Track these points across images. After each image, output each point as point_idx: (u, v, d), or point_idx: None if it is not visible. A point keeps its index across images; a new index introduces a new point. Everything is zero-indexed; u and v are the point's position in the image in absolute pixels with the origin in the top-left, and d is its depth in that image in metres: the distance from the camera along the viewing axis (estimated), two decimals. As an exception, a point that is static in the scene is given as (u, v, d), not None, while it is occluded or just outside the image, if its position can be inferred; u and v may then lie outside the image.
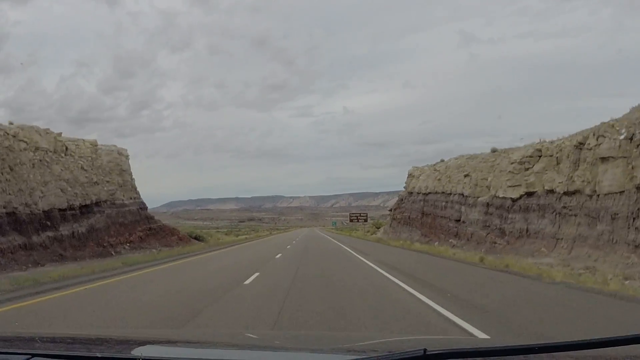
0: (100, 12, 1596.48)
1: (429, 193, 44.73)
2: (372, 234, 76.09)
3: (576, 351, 1.64)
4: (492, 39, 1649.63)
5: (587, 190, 20.63)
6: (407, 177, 55.35)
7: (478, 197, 33.11)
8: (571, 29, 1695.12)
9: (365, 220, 79.42)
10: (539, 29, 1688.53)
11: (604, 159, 19.39)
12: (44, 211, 25.73)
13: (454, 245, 34.57)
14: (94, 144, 35.43)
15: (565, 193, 22.70)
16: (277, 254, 27.61)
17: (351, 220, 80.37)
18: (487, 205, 31.00)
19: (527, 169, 27.27)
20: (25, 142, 25.76)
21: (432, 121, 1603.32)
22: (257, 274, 15.55)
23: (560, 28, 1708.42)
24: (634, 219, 17.24)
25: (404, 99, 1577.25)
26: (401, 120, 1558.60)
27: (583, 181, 21.09)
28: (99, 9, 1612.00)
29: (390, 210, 61.57)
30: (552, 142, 26.14)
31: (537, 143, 27.57)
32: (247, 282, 13.61)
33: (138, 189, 42.10)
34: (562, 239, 22.34)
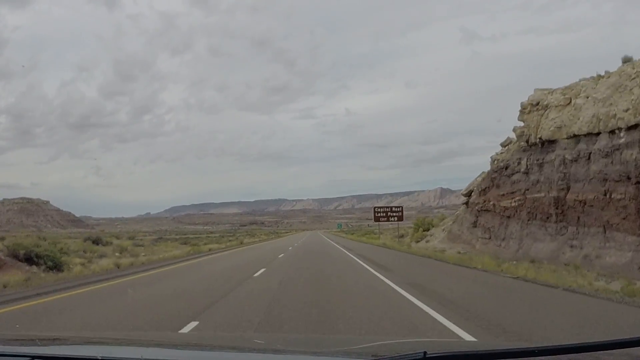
0: (99, 15, 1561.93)
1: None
2: (415, 241, 44.92)
3: (576, 354, 1.60)
4: (494, 36, 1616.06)
5: None
6: (521, 114, 24.39)
7: None
8: (573, 24, 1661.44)
9: (400, 219, 48.50)
10: (541, 24, 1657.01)
11: None
12: None
13: None
14: None
15: None
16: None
17: (377, 220, 49.37)
18: None
19: None
20: None
21: (435, 121, 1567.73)
22: None
23: (563, 23, 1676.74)
24: None
25: (406, 98, 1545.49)
26: (403, 120, 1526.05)
27: None
28: (98, 11, 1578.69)
29: (468, 195, 30.49)
30: None
31: None
32: None
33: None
34: None
